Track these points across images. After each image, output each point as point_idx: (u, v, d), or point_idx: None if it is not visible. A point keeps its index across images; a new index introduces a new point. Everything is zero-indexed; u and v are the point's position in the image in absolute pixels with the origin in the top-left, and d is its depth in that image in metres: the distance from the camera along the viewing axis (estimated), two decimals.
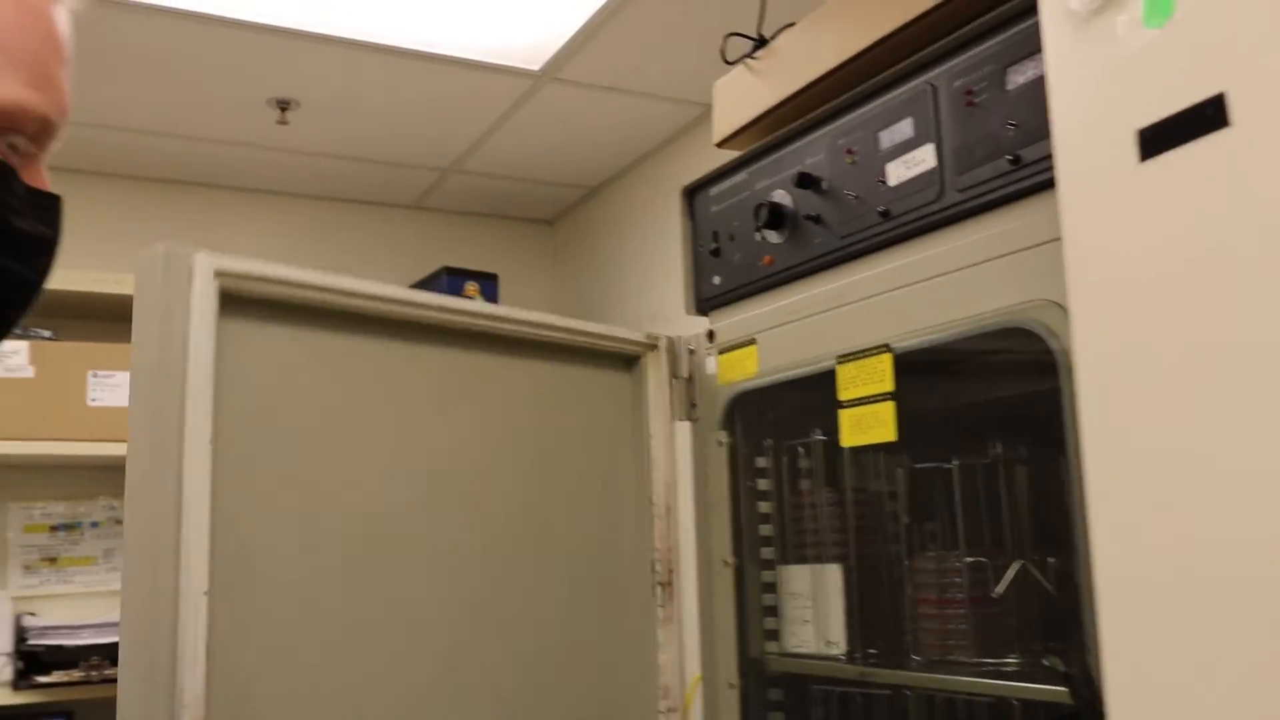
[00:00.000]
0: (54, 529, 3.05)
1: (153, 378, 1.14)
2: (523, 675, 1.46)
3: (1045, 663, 1.10)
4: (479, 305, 1.51)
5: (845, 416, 1.32)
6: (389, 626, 1.38)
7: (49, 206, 0.63)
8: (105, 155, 3.05)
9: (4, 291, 0.61)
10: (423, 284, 3.32)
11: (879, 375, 1.28)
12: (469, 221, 3.71)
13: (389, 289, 1.39)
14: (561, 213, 3.76)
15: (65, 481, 3.04)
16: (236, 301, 1.23)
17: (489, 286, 3.26)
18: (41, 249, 0.62)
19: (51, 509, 3.05)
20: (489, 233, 3.73)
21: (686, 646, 1.52)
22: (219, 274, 1.20)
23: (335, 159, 3.22)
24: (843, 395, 1.33)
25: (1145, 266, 0.80)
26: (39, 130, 0.61)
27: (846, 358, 1.33)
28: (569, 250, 3.75)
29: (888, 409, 1.26)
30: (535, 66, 2.68)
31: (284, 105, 2.86)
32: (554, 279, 3.80)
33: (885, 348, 1.28)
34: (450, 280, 3.22)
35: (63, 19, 0.63)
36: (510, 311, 1.49)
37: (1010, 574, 1.30)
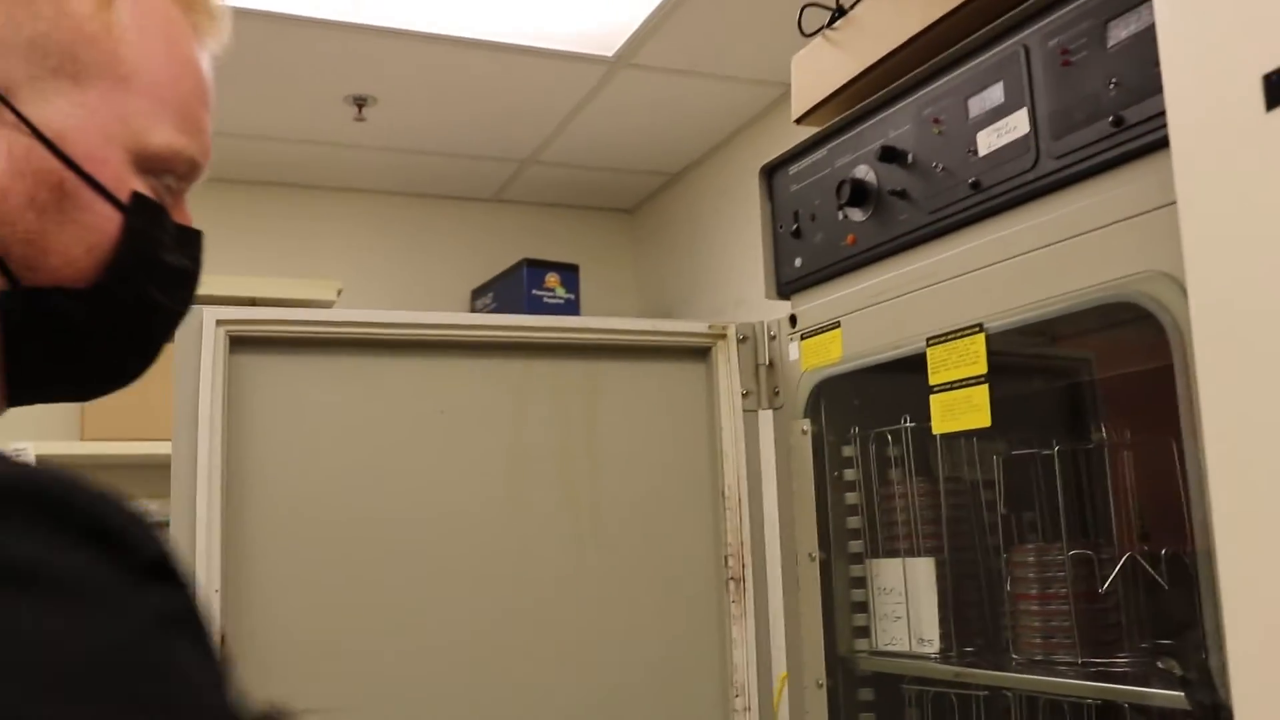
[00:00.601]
0: None
1: (180, 414, 1.34)
2: (592, 675, 1.42)
3: (1160, 665, 1.02)
4: (509, 319, 1.51)
5: (936, 402, 1.25)
6: (443, 634, 1.36)
7: (192, 241, 0.68)
8: None
9: (152, 321, 0.66)
10: (503, 277, 3.30)
11: (971, 357, 1.20)
12: (549, 213, 3.68)
13: (391, 315, 1.45)
14: (641, 201, 3.71)
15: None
16: (253, 342, 1.39)
17: (569, 277, 3.23)
18: (185, 281, 0.68)
19: None
20: (569, 224, 3.70)
21: (764, 644, 1.46)
22: (221, 322, 1.36)
23: (412, 154, 3.21)
24: (933, 379, 1.25)
25: (1272, 227, 0.72)
26: (190, 173, 0.66)
27: (937, 339, 1.25)
28: (650, 239, 3.69)
29: (981, 393, 1.19)
30: (609, 53, 2.63)
31: (360, 102, 2.86)
32: (635, 268, 3.76)
33: (978, 328, 1.20)
34: (531, 273, 3.19)
35: (206, 65, 0.69)
36: (528, 321, 1.54)
37: (1118, 568, 1.21)
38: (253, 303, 2.63)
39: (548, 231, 3.64)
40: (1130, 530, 1.27)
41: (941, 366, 1.24)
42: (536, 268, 3.18)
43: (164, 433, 1.39)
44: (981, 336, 1.20)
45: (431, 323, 1.44)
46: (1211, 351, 0.77)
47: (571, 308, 3.20)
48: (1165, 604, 1.23)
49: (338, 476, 1.40)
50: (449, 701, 1.36)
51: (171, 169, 0.65)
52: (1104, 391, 1.36)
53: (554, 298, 3.17)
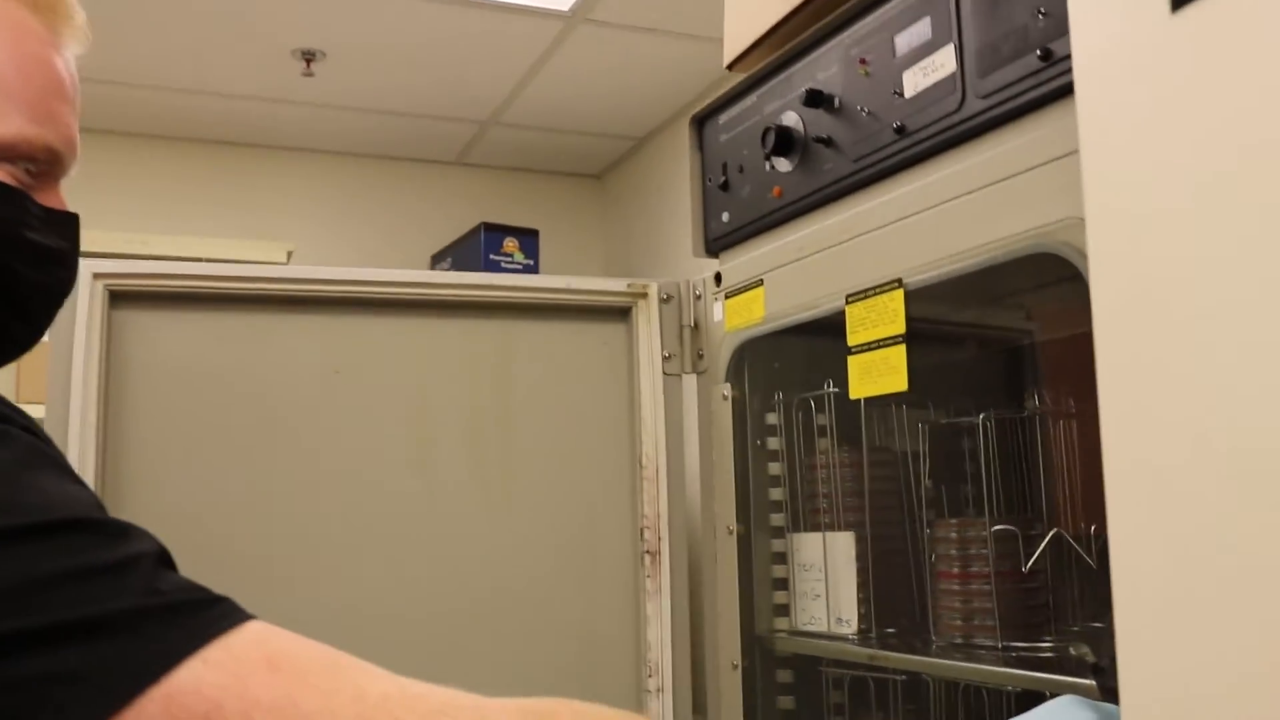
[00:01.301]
0: None
1: (54, 373, 1.26)
2: (499, 648, 1.33)
3: (1073, 651, 0.93)
4: (411, 274, 1.40)
5: (854, 364, 1.16)
6: (342, 605, 1.28)
7: (63, 222, 0.75)
8: (125, 114, 2.98)
9: (25, 294, 0.73)
10: (460, 242, 3.20)
11: (890, 315, 1.11)
12: (514, 177, 3.58)
13: (282, 270, 1.42)
14: (609, 166, 3.61)
15: None
16: (133, 297, 1.30)
17: (529, 243, 3.13)
18: (57, 258, 0.75)
19: None
20: (535, 188, 3.59)
21: (681, 622, 1.37)
22: (99, 276, 1.27)
23: (367, 113, 3.11)
24: (852, 340, 1.16)
25: (1177, 151, 0.62)
26: (49, 159, 0.73)
27: (856, 297, 1.16)
28: (618, 205, 3.59)
29: (899, 354, 1.09)
30: (564, 7, 2.53)
31: (309, 57, 2.75)
32: (603, 235, 3.66)
33: (897, 283, 1.11)
34: (489, 237, 3.10)
35: (63, 63, 0.74)
36: (432, 277, 1.47)
37: (1043, 545, 1.12)
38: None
39: (513, 196, 3.53)
40: (1062, 507, 1.18)
41: (860, 326, 1.15)
42: (494, 232, 3.09)
43: None
44: (900, 293, 1.10)
45: (326, 278, 1.35)
46: (1109, 299, 0.67)
47: (531, 273, 3.10)
48: (1096, 586, 1.14)
49: (227, 441, 1.31)
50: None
51: (27, 156, 0.71)
52: (1042, 358, 1.27)
53: (512, 263, 3.07)
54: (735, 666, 1.33)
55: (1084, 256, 0.90)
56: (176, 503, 1.26)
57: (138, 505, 1.25)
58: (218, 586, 1.25)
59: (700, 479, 1.41)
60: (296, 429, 1.32)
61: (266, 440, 1.31)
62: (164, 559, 0.60)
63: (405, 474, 1.34)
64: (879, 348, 1.12)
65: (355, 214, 3.34)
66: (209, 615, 0.57)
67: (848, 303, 1.17)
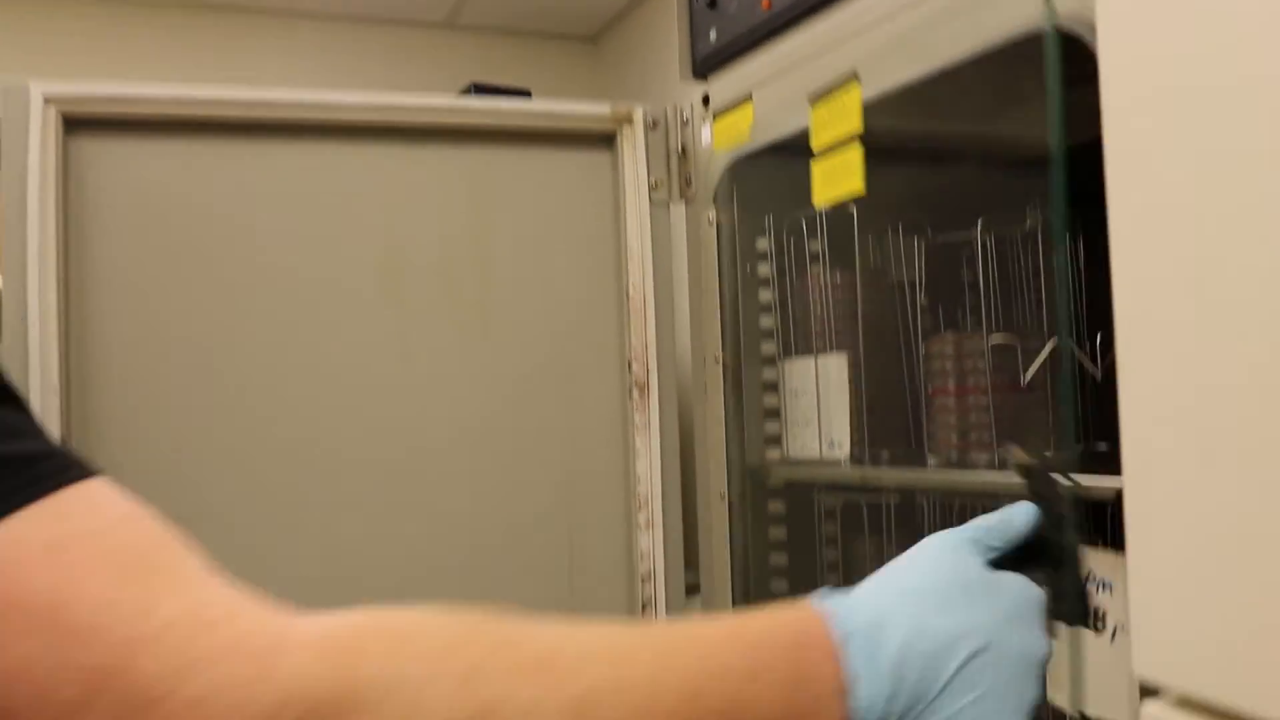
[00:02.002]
0: None
1: (9, 205, 1.18)
2: (484, 489, 1.30)
3: (1001, 451, 0.89)
4: (379, 99, 1.32)
5: (817, 170, 1.10)
6: (311, 443, 1.24)
7: None
8: None
9: None
10: None
11: (845, 113, 1.04)
12: (506, 40, 3.45)
13: (246, 94, 1.29)
14: (606, 27, 3.48)
15: None
16: (91, 124, 1.23)
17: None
18: None
19: None
20: (528, 51, 3.47)
21: (671, 455, 1.33)
22: (51, 100, 1.19)
23: None
24: (815, 144, 1.09)
25: None
26: None
27: (818, 97, 1.09)
28: (614, 70, 3.47)
29: (855, 154, 1.03)
30: None
31: None
32: (599, 101, 3.54)
33: (851, 77, 1.04)
34: (479, 99, 2.99)
35: None
36: (402, 101, 1.35)
37: (1042, 356, 1.07)
38: None
39: (506, 59, 3.41)
40: (1061, 322, 1.12)
41: (823, 129, 1.08)
42: (485, 92, 2.98)
43: None
44: (856, 88, 1.03)
45: (291, 101, 1.28)
46: (1119, 79, 0.61)
47: None
48: (1100, 401, 1.10)
49: (193, 277, 1.25)
50: (320, 514, 1.25)
51: None
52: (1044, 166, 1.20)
53: None
54: (723, 498, 1.30)
55: (1093, 32, 0.83)
56: (140, 339, 1.22)
57: (100, 342, 1.20)
58: (186, 424, 1.22)
59: (690, 310, 1.36)
60: (265, 263, 1.27)
61: (233, 275, 1.26)
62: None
63: (377, 306, 1.29)
64: (837, 150, 1.05)
65: (340, 81, 3.23)
66: (20, 477, 0.45)
67: (811, 105, 1.10)
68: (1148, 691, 0.59)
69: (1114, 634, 0.92)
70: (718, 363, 1.30)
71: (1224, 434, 0.54)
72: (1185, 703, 0.56)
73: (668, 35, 3.13)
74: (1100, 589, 0.93)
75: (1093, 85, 0.85)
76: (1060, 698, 0.90)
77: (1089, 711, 0.94)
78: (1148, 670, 0.58)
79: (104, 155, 1.24)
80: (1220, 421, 0.54)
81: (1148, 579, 0.58)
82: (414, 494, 1.29)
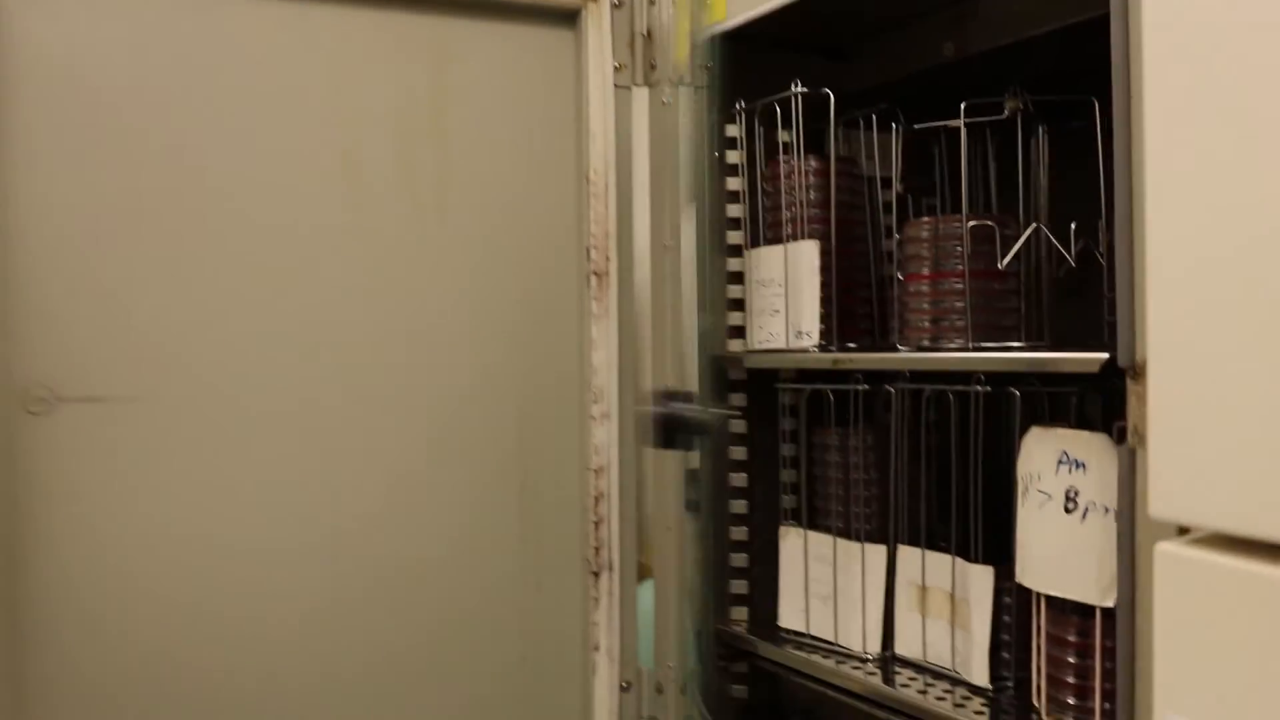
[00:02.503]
0: None
1: None
2: (430, 372, 1.26)
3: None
4: None
5: None
6: (259, 319, 1.18)
7: None
8: None
9: None
10: None
11: None
12: None
13: None
14: None
15: None
16: None
17: None
18: None
19: None
20: None
21: (628, 346, 1.30)
22: None
23: None
24: None
25: None
26: None
27: None
28: None
29: None
30: None
31: None
32: None
33: None
34: None
35: None
36: None
37: (1022, 239, 1.06)
38: None
39: None
40: (1040, 210, 1.11)
41: None
42: None
43: None
44: None
45: None
46: None
47: None
48: (1073, 287, 1.09)
49: (121, 147, 1.16)
50: (269, 401, 1.19)
51: None
52: (1024, 52, 1.17)
53: None
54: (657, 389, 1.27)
55: None
56: (68, 213, 1.13)
57: (20, 215, 1.12)
58: (121, 294, 1.15)
59: (650, 197, 1.32)
60: (205, 135, 1.19)
61: (169, 146, 1.18)
62: None
63: (326, 181, 1.22)
64: None
65: None
66: None
67: None
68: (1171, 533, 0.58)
69: (1085, 513, 0.92)
70: (666, 249, 1.26)
71: (1248, 281, 0.52)
72: (1206, 540, 0.55)
73: None
74: (1073, 469, 0.93)
75: None
76: None
77: (1057, 592, 0.95)
78: (1168, 512, 0.57)
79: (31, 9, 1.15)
80: (1246, 270, 0.52)
81: (1168, 421, 0.56)
82: (361, 376, 1.24)
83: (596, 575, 1.28)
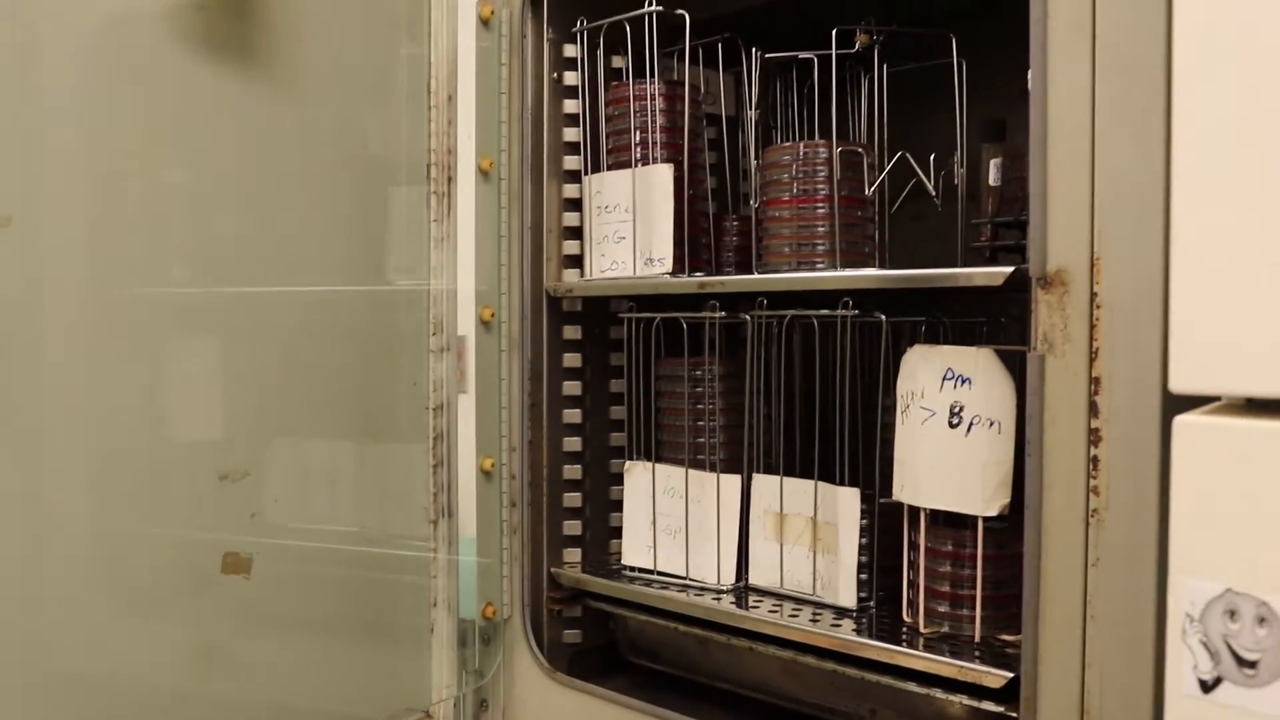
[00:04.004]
0: None
1: None
2: (262, 299, 1.11)
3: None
4: None
5: None
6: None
7: None
8: None
9: None
10: None
11: None
12: None
13: None
14: None
15: None
16: None
17: None
18: None
19: None
20: None
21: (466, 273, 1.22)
22: None
23: None
24: None
25: None
26: None
27: None
28: None
29: None
30: None
31: None
32: None
33: None
34: None
35: None
36: None
37: (889, 166, 1.08)
38: None
39: None
40: (902, 138, 1.13)
41: None
42: None
43: None
44: None
45: None
46: None
47: None
48: (938, 218, 1.13)
49: None
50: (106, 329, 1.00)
51: None
52: None
53: None
54: (486, 324, 1.20)
55: None
56: None
57: None
58: None
59: (478, 116, 1.23)
60: None
61: None
62: None
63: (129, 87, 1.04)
64: None
65: None
66: None
67: None
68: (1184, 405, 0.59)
69: (970, 428, 0.94)
70: (485, 176, 1.19)
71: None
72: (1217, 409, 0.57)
73: None
74: (958, 385, 0.96)
75: None
76: None
77: (942, 505, 0.97)
78: (1190, 384, 0.58)
79: None
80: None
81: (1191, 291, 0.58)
82: (189, 307, 1.06)
83: (434, 524, 1.19)
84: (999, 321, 1.07)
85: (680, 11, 1.14)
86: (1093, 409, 0.80)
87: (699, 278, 1.12)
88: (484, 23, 1.20)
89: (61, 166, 0.96)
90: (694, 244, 1.20)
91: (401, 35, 1.20)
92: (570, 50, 1.24)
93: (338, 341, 1.16)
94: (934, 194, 1.08)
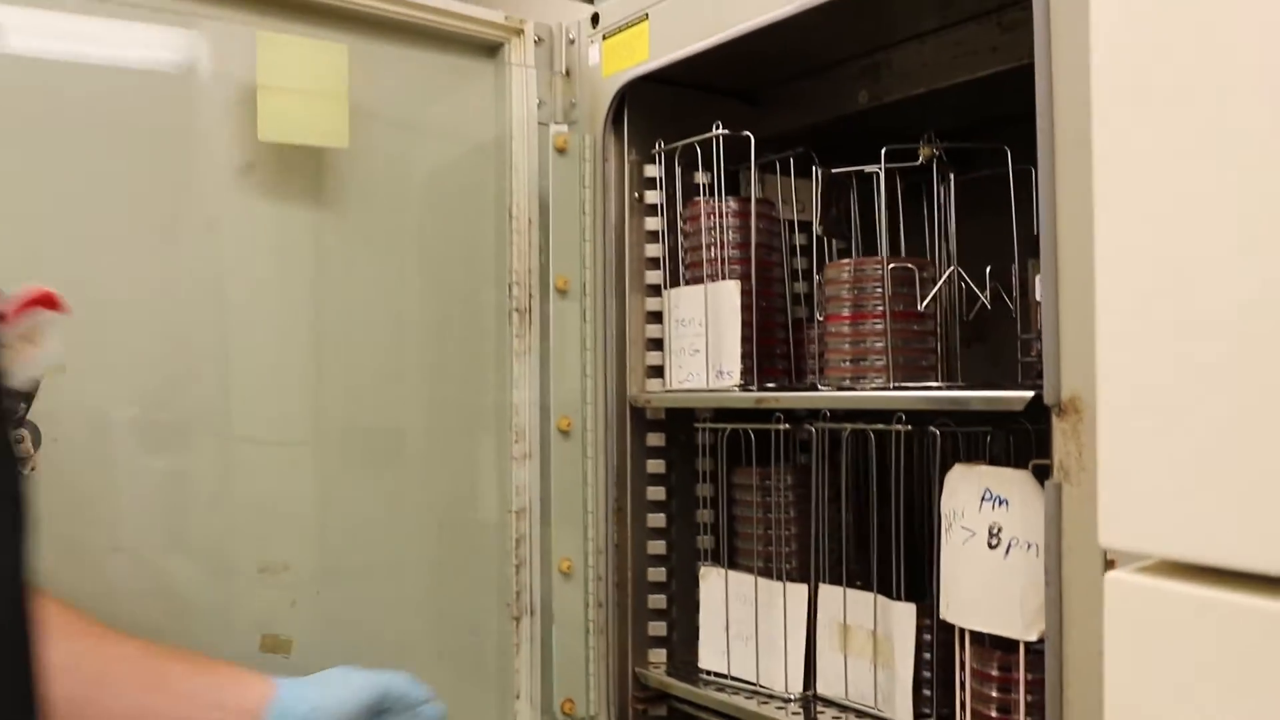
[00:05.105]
0: None
1: None
2: (351, 416, 1.22)
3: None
4: None
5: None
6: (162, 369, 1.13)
7: None
8: None
9: None
10: None
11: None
12: None
13: None
14: None
15: None
16: None
17: None
18: None
19: None
20: None
21: (546, 384, 1.29)
22: None
23: None
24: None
25: None
26: None
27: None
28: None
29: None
30: None
31: None
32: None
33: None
34: None
35: None
36: None
37: (941, 281, 1.08)
38: None
39: None
40: (954, 253, 1.14)
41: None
42: None
43: None
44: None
45: None
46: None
47: None
48: (989, 327, 1.13)
49: None
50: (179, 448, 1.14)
51: None
52: (936, 104, 1.21)
53: None
54: (565, 432, 1.27)
55: None
56: None
57: None
58: None
59: (564, 235, 1.31)
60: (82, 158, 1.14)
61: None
62: None
63: (240, 197, 1.18)
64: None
65: None
66: None
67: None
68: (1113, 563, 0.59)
69: (1008, 549, 0.93)
70: (563, 294, 1.27)
71: (1197, 304, 0.54)
72: (1154, 568, 0.57)
73: None
74: (995, 505, 0.95)
75: (1024, 7, 0.85)
76: None
77: (982, 627, 0.96)
78: (1117, 541, 0.58)
79: None
80: (1195, 297, 0.54)
81: (1118, 452, 0.58)
82: (273, 408, 1.19)
83: (517, 620, 1.26)
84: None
85: (745, 133, 1.19)
86: None
87: (755, 393, 1.16)
88: (560, 151, 1.28)
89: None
90: (769, 355, 1.23)
91: (488, 166, 1.30)
92: (650, 170, 1.30)
93: (424, 453, 1.25)
94: (987, 305, 1.08)
